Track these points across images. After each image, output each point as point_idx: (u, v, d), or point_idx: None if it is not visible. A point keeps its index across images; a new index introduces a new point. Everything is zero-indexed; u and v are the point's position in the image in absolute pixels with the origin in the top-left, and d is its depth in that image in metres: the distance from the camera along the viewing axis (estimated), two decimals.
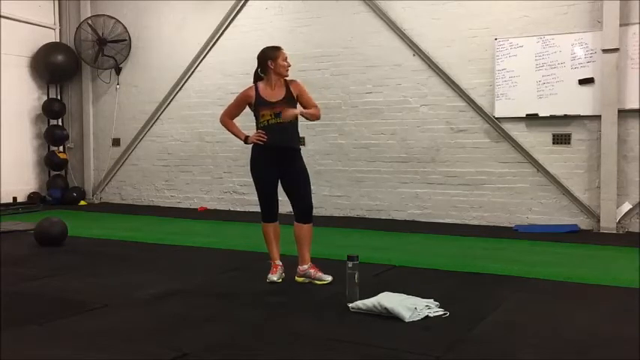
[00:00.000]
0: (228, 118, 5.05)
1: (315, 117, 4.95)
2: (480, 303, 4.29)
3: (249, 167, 5.05)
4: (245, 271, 5.40)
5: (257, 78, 4.97)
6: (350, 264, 4.22)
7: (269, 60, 4.84)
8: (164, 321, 3.89)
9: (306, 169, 4.98)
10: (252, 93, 4.89)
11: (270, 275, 4.90)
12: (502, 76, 7.92)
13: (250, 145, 4.94)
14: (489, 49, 8.01)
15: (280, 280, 4.88)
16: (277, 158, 4.84)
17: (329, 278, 4.82)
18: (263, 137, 4.80)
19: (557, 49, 7.63)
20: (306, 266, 4.88)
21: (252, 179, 5.03)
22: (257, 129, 4.91)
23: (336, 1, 8.95)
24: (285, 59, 4.89)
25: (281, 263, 4.98)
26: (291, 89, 4.90)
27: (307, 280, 4.85)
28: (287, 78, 4.95)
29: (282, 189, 4.98)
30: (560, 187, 7.75)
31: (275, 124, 4.79)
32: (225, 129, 5.10)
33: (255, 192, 5.01)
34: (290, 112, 4.75)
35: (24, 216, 9.18)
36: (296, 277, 4.91)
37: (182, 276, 5.17)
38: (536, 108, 7.77)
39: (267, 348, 3.39)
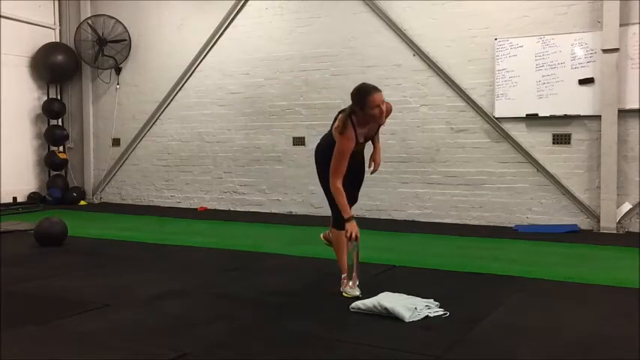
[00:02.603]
0: (340, 180, 4.33)
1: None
2: (480, 303, 4.29)
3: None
4: (245, 271, 5.40)
5: (350, 112, 4.34)
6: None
7: (356, 106, 4.26)
8: (164, 321, 3.89)
9: (364, 175, 4.84)
10: (353, 140, 4.30)
11: (349, 289, 4.38)
12: (502, 76, 7.92)
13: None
14: (489, 49, 8.01)
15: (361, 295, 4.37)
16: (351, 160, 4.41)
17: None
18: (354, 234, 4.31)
19: (557, 49, 7.63)
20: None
21: (320, 182, 4.66)
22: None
23: (336, 1, 8.95)
24: (378, 106, 4.21)
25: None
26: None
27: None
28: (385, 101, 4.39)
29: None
30: (560, 187, 7.76)
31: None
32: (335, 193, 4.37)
33: (327, 198, 4.57)
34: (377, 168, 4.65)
35: (24, 216, 9.18)
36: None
37: (182, 276, 5.17)
38: (536, 108, 7.77)
39: (267, 348, 3.39)
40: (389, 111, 4.52)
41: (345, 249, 4.48)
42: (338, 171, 4.33)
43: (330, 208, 4.60)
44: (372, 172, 4.76)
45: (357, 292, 4.37)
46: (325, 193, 4.61)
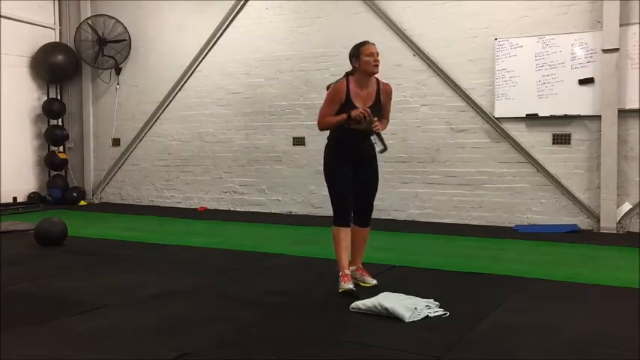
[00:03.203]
0: (324, 119, 4.58)
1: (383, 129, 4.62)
2: (480, 303, 4.29)
3: (322, 168, 4.75)
4: (245, 271, 5.40)
5: (350, 71, 4.60)
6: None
7: (352, 58, 4.53)
8: (164, 321, 3.89)
9: (378, 172, 4.75)
10: (344, 92, 4.48)
11: (343, 284, 4.48)
12: (502, 76, 7.92)
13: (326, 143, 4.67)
14: (489, 49, 8.01)
15: (355, 288, 4.48)
16: (355, 157, 4.59)
17: (374, 282, 4.70)
18: (366, 113, 4.40)
19: (557, 49, 7.63)
20: (354, 267, 4.76)
21: (324, 178, 4.71)
22: (334, 129, 4.59)
23: (336, 1, 8.95)
24: (371, 54, 4.46)
25: (349, 272, 4.62)
26: (382, 96, 4.60)
27: (354, 281, 4.68)
28: (382, 80, 4.63)
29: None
30: (560, 187, 7.76)
31: (357, 130, 4.49)
32: (325, 129, 4.64)
33: (330, 194, 4.64)
34: (378, 127, 4.46)
35: (24, 216, 9.18)
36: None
37: (182, 276, 5.17)
38: (536, 108, 7.77)
39: (267, 348, 3.39)
40: (389, 91, 4.67)
41: (343, 246, 4.57)
42: (322, 115, 4.58)
43: (331, 203, 4.66)
44: (374, 127, 4.50)
45: (351, 286, 4.48)
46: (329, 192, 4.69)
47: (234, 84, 9.79)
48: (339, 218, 4.60)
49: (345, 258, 4.60)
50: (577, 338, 3.55)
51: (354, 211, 4.74)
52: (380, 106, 4.60)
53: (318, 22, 9.08)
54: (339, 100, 4.49)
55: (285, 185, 9.41)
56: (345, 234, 4.61)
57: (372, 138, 4.54)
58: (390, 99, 4.72)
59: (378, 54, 4.52)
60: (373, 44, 4.54)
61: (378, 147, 4.55)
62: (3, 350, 3.31)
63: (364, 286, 4.68)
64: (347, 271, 4.58)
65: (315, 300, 4.41)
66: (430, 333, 3.62)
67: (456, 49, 8.22)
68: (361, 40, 4.64)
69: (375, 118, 4.46)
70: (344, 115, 4.46)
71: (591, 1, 7.50)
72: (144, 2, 10.56)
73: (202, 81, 10.07)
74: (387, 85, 4.69)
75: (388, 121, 4.76)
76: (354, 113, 4.42)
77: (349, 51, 4.59)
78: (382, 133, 4.54)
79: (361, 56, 4.47)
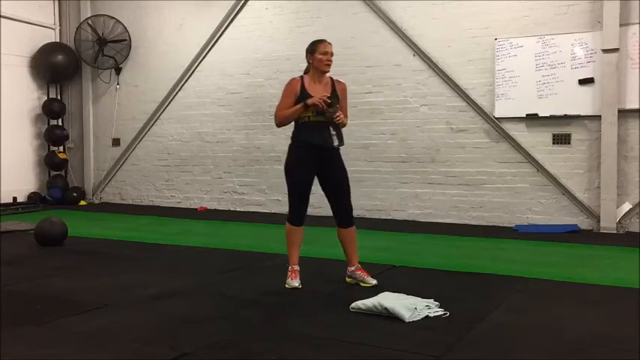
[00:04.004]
0: (279, 111, 4.74)
1: (343, 126, 4.75)
2: (480, 303, 4.29)
3: (283, 168, 4.85)
4: (245, 271, 5.40)
5: (307, 70, 4.84)
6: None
7: (308, 54, 4.76)
8: (164, 321, 3.89)
9: (346, 169, 4.81)
10: (298, 85, 4.68)
11: (290, 281, 4.69)
12: (502, 76, 7.92)
13: (288, 144, 4.77)
14: (489, 49, 8.01)
15: (301, 287, 4.66)
16: (319, 157, 4.68)
17: (374, 282, 4.72)
18: (324, 100, 4.53)
19: (557, 49, 7.63)
20: (352, 268, 4.80)
21: (285, 177, 4.81)
22: (296, 126, 4.72)
23: (336, 1, 8.95)
24: (325, 52, 4.69)
25: (298, 268, 4.80)
26: (337, 91, 4.76)
27: (354, 282, 4.77)
28: (336, 78, 4.83)
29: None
30: (560, 187, 7.76)
31: (317, 122, 4.61)
32: (282, 124, 4.77)
33: (288, 193, 4.80)
34: (340, 117, 4.56)
35: (24, 216, 9.18)
36: (346, 278, 4.84)
37: (182, 276, 5.17)
38: (536, 108, 7.77)
39: (267, 348, 3.39)
40: (344, 89, 4.86)
41: (294, 243, 4.78)
42: (278, 108, 4.76)
43: (288, 202, 4.82)
44: (336, 117, 4.61)
45: (296, 284, 4.67)
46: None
47: (234, 84, 9.79)
48: (293, 218, 4.78)
49: (295, 254, 4.79)
50: (577, 338, 3.55)
51: (335, 214, 4.81)
52: (337, 101, 4.70)
53: (318, 22, 9.08)
54: (294, 93, 4.67)
55: (285, 185, 9.38)
56: (297, 232, 4.79)
57: (330, 128, 4.62)
58: (346, 97, 4.84)
59: (332, 54, 4.76)
60: (329, 43, 4.78)
61: (335, 141, 4.64)
62: (3, 350, 3.31)
63: (364, 286, 4.69)
64: (296, 267, 4.76)
65: (315, 300, 4.41)
66: (430, 333, 3.62)
67: (456, 49, 8.22)
68: (319, 39, 4.85)
69: (338, 106, 4.60)
70: (300, 104, 4.59)
71: (591, 1, 7.50)
72: (144, 2, 10.56)
73: (202, 81, 10.07)
74: (341, 83, 4.87)
75: (347, 118, 4.80)
76: (310, 101, 4.56)
77: (306, 47, 4.83)
78: (344, 132, 4.74)
79: (315, 53, 4.71)
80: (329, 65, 4.71)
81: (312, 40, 4.84)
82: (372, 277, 4.79)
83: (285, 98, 4.71)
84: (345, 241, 4.82)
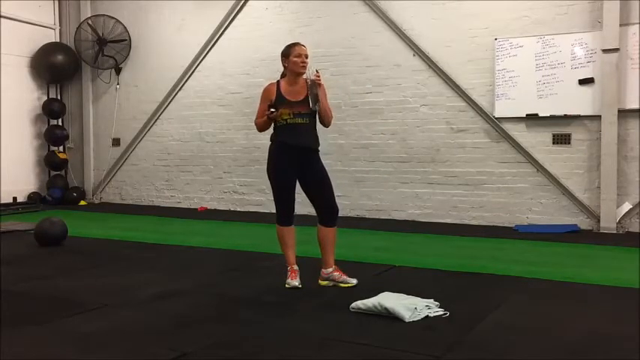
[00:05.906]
0: (259, 118, 4.79)
1: (328, 117, 4.78)
2: (480, 303, 4.29)
3: (265, 169, 4.93)
4: (245, 271, 5.40)
5: (283, 74, 4.86)
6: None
7: (283, 58, 4.77)
8: (164, 321, 3.89)
9: (326, 170, 4.86)
10: (274, 89, 4.75)
11: (290, 280, 4.70)
12: (502, 76, 7.92)
13: (268, 146, 4.81)
14: (489, 49, 8.01)
15: (301, 286, 4.68)
16: (297, 159, 4.74)
17: (354, 281, 4.72)
18: (280, 113, 4.62)
19: (557, 49, 7.63)
20: (330, 269, 4.78)
21: (268, 181, 4.93)
22: (274, 128, 4.77)
23: (336, 1, 8.95)
24: (299, 55, 4.69)
25: (297, 267, 4.80)
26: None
27: (331, 284, 4.74)
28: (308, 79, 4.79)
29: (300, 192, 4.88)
30: (560, 187, 7.75)
31: (294, 124, 4.66)
32: (261, 130, 4.82)
33: (272, 195, 4.94)
34: (320, 94, 4.62)
35: (24, 216, 9.18)
36: (319, 281, 4.80)
37: (182, 276, 5.17)
38: (536, 108, 7.77)
39: (267, 348, 3.39)
40: (324, 91, 4.78)
41: (287, 243, 4.81)
42: (256, 115, 4.82)
43: (275, 204, 4.93)
44: (316, 76, 4.65)
45: (296, 283, 4.68)
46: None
47: (234, 84, 9.79)
48: (281, 219, 4.87)
49: (291, 255, 4.83)
50: (577, 338, 3.55)
51: (319, 212, 4.86)
52: (317, 99, 4.72)
53: (318, 22, 9.08)
54: (268, 99, 4.72)
55: None
56: (288, 232, 4.86)
57: (307, 80, 4.66)
58: (325, 93, 4.78)
59: (307, 56, 4.75)
60: (304, 46, 4.77)
61: (310, 103, 4.69)
62: (3, 350, 3.31)
63: (344, 287, 4.67)
64: (295, 267, 4.78)
65: (315, 300, 4.41)
66: (430, 333, 3.62)
67: (456, 49, 8.22)
68: (294, 42, 4.84)
69: (318, 70, 4.68)
70: (265, 117, 4.65)
71: (591, 1, 7.50)
72: (144, 2, 10.56)
73: (202, 81, 10.07)
74: (324, 87, 4.82)
75: (330, 111, 4.84)
76: (271, 116, 4.62)
77: (281, 50, 4.80)
78: (329, 128, 4.96)
79: (290, 56, 4.71)
80: (304, 67, 4.72)
81: (287, 44, 4.83)
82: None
83: (260, 104, 4.80)
84: (325, 241, 4.81)
